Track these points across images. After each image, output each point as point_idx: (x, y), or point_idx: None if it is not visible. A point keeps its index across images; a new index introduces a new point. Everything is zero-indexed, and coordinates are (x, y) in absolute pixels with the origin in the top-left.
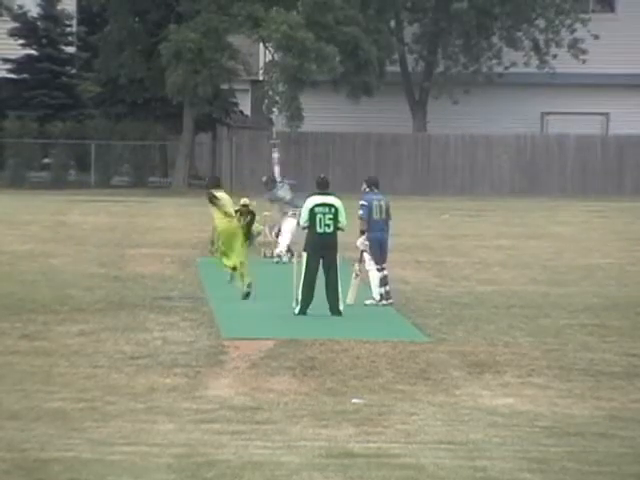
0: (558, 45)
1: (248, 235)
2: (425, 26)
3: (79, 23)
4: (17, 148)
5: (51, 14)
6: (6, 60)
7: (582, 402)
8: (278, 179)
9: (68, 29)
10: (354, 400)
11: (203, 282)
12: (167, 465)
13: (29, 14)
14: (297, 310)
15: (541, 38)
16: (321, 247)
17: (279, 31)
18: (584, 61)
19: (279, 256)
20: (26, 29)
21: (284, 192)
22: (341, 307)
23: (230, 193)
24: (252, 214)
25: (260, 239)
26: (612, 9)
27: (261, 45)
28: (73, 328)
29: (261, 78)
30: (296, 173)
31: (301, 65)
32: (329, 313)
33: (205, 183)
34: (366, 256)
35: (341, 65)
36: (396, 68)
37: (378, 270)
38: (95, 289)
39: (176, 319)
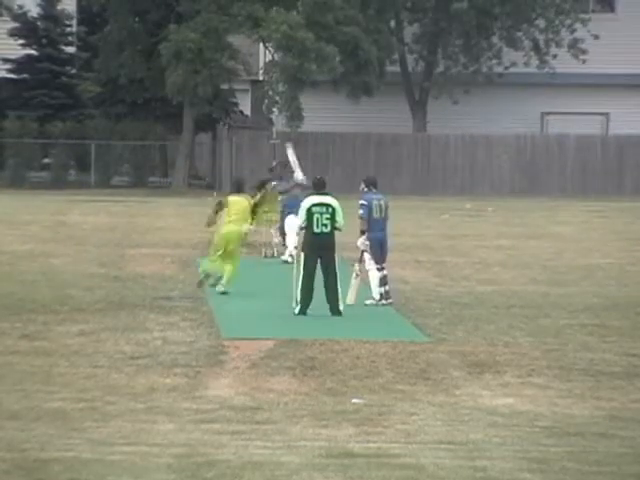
0: (558, 45)
1: (255, 212)
2: (425, 26)
3: (79, 23)
4: (17, 148)
5: (51, 14)
6: (6, 60)
7: (582, 402)
8: (299, 179)
9: (68, 29)
10: (354, 400)
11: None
12: (167, 465)
13: (29, 14)
14: (297, 310)
15: (541, 38)
16: (318, 247)
17: (279, 31)
18: (584, 61)
19: (291, 256)
20: (26, 29)
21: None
22: (341, 307)
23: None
24: (265, 188)
25: (261, 239)
26: (612, 9)
27: (261, 45)
28: (73, 328)
29: (261, 78)
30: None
31: (301, 65)
32: (329, 313)
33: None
34: (366, 256)
35: (341, 65)
36: (396, 68)
37: (378, 270)
38: (95, 289)
39: (176, 319)
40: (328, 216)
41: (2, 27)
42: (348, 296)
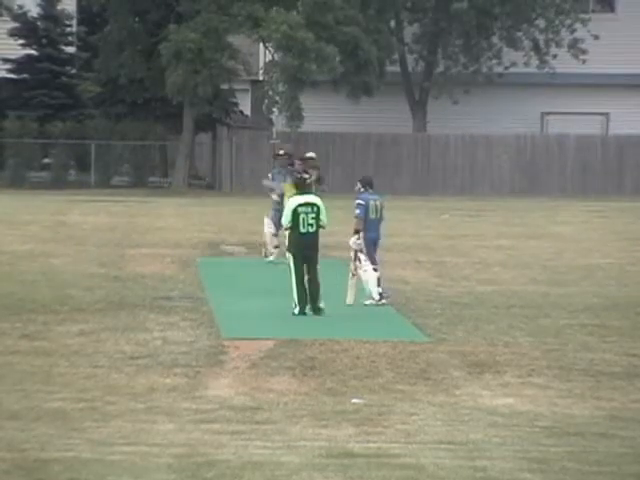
0: (558, 45)
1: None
2: (425, 26)
3: (79, 23)
4: (17, 148)
5: (51, 14)
6: (6, 60)
7: (582, 402)
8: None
9: (68, 29)
10: (354, 400)
11: (203, 282)
12: (167, 465)
13: (29, 14)
14: (296, 311)
15: (541, 38)
16: (304, 247)
17: (279, 31)
18: (584, 61)
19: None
20: (26, 29)
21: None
22: (321, 304)
23: (230, 193)
24: (318, 169)
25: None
26: (612, 9)
27: (261, 45)
28: (73, 328)
29: (261, 78)
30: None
31: (301, 65)
32: (310, 312)
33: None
34: (361, 256)
35: (341, 65)
36: (396, 68)
37: (374, 270)
38: (95, 289)
39: (176, 319)
40: (314, 215)
41: (2, 27)
42: (348, 297)
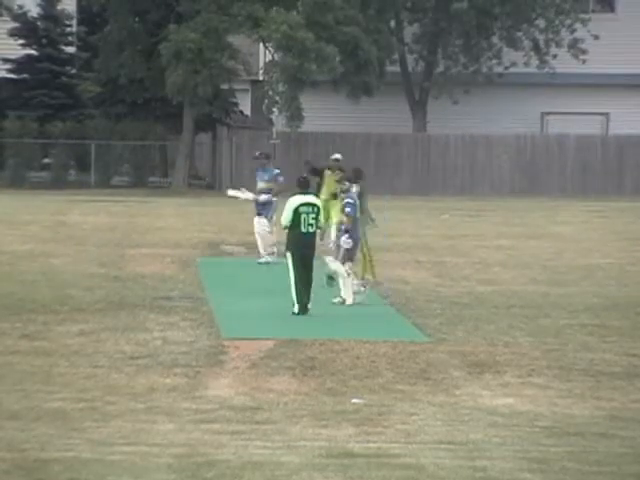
0: (558, 45)
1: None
2: (425, 26)
3: (79, 23)
4: (17, 148)
5: (51, 14)
6: (6, 60)
7: (582, 402)
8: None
9: (68, 29)
10: (354, 400)
11: (203, 282)
12: (167, 465)
13: (29, 14)
14: (296, 310)
15: (541, 38)
16: (304, 246)
17: (279, 31)
18: (584, 61)
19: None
20: (26, 29)
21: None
22: (309, 305)
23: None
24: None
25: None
26: (612, 9)
27: (261, 45)
28: (73, 328)
29: (261, 78)
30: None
31: (301, 65)
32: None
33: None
34: (342, 253)
35: (341, 65)
36: (396, 68)
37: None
38: (95, 289)
39: (176, 319)
40: (314, 216)
41: (2, 27)
42: (347, 298)
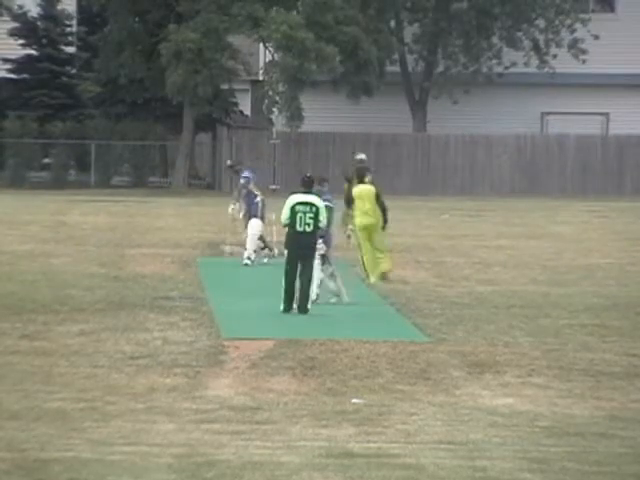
0: (558, 45)
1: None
2: (425, 26)
3: (79, 23)
4: (17, 148)
5: (51, 14)
6: (6, 60)
7: (582, 402)
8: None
9: (68, 29)
10: (354, 400)
11: (203, 282)
12: (167, 465)
13: (29, 14)
14: (281, 307)
15: (541, 38)
16: (299, 246)
17: (279, 31)
18: (584, 61)
19: (249, 258)
20: (26, 29)
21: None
22: (309, 306)
23: (230, 193)
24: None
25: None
26: (612, 9)
27: (261, 45)
28: (73, 328)
29: (261, 78)
30: (296, 173)
31: (301, 65)
32: (296, 311)
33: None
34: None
35: (341, 65)
36: (396, 68)
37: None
38: (95, 289)
39: (176, 319)
40: (312, 215)
41: (2, 27)
42: (343, 296)
